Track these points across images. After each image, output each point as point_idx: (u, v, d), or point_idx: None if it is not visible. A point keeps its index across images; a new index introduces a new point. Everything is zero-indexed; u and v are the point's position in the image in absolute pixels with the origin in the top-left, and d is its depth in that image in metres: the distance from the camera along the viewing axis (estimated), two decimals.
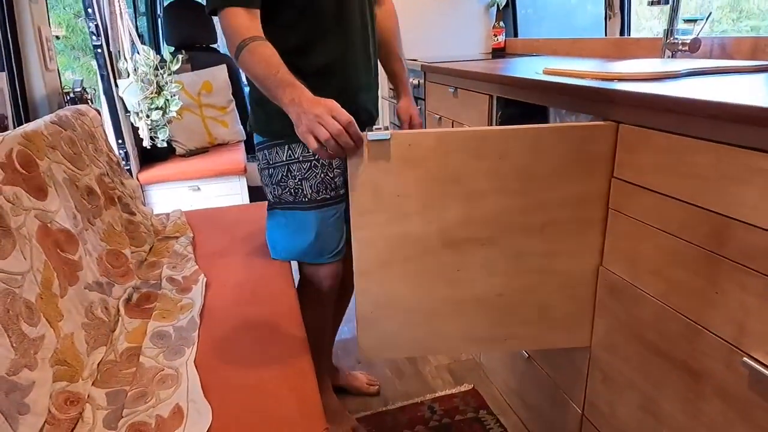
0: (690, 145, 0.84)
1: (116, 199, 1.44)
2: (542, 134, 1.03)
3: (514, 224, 1.08)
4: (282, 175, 1.27)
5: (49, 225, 1.04)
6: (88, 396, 0.89)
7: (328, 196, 1.29)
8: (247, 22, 1.05)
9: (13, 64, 1.44)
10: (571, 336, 1.19)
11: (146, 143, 2.45)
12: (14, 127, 1.43)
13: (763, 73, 1.13)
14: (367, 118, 1.33)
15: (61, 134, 1.28)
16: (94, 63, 2.36)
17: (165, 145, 2.53)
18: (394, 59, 1.40)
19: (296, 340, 1.06)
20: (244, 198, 2.73)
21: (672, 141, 0.88)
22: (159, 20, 3.61)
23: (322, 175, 1.28)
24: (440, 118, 1.89)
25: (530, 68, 1.55)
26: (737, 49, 1.40)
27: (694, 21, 1.46)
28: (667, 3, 1.38)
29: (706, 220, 0.83)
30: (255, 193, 3.14)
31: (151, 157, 2.69)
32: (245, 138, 3.19)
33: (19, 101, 1.46)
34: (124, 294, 1.19)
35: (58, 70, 1.60)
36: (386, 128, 1.05)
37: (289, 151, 1.26)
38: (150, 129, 2.44)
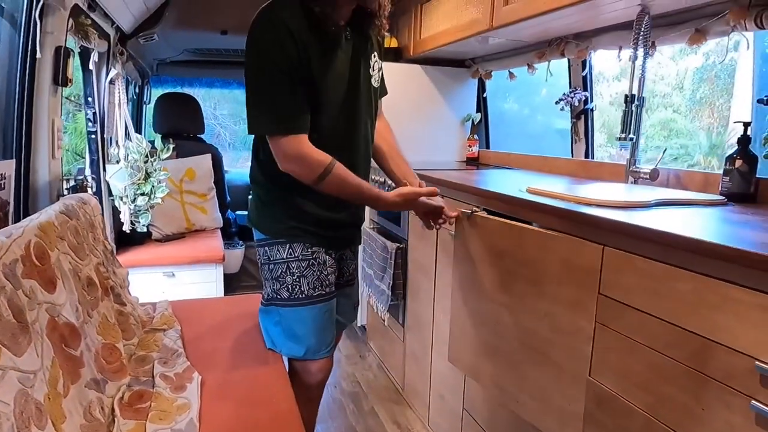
0: (671, 273, 0.96)
1: (109, 290, 1.43)
2: (545, 237, 1.23)
3: (527, 300, 1.33)
4: (281, 271, 1.33)
5: (56, 319, 1.03)
6: None
7: (324, 293, 1.37)
8: (314, 149, 1.21)
9: (23, 153, 1.47)
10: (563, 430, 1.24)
11: (126, 227, 2.44)
12: (15, 214, 1.44)
13: (718, 207, 1.31)
14: (358, 221, 1.49)
15: (68, 224, 1.30)
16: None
17: (145, 229, 2.53)
18: (402, 161, 1.53)
19: None
20: (219, 286, 2.71)
21: (654, 267, 1.00)
22: (144, 108, 3.73)
23: (318, 273, 1.35)
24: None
25: (511, 183, 1.71)
26: (690, 181, 1.61)
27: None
28: (632, 140, 1.59)
29: (689, 340, 0.93)
30: (229, 281, 3.11)
31: (127, 240, 2.66)
32: (222, 225, 3.21)
33: (21, 188, 1.47)
34: (117, 392, 1.15)
35: (61, 158, 1.63)
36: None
37: (290, 250, 1.34)
38: (132, 213, 2.45)
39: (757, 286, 0.82)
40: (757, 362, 0.81)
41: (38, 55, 1.40)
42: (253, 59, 1.19)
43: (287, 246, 1.34)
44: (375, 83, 1.37)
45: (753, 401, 0.82)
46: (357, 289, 1.65)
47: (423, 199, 1.39)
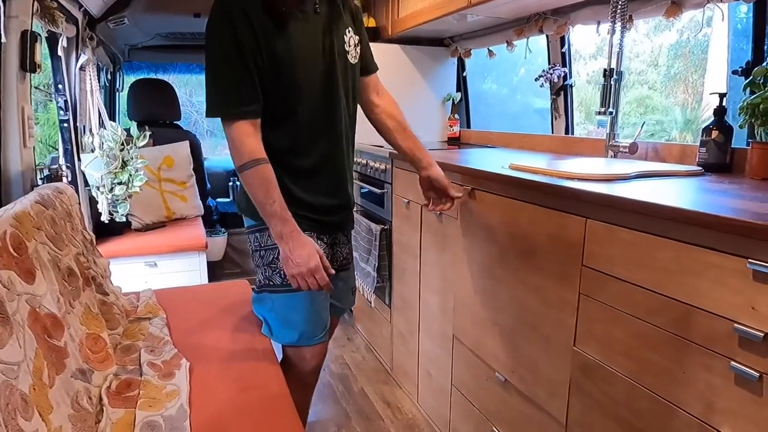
0: (652, 242, 0.98)
1: (91, 279, 1.41)
2: (534, 212, 1.28)
3: (520, 273, 1.35)
4: (273, 257, 1.31)
5: (37, 310, 1.01)
6: None
7: None
8: (253, 139, 1.17)
9: None
10: (550, 402, 1.28)
11: (104, 217, 2.39)
12: None
13: (696, 177, 1.33)
14: (350, 204, 1.45)
15: (44, 214, 1.26)
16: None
17: (124, 219, 2.48)
18: (408, 136, 1.52)
19: (295, 427, 1.05)
20: (202, 274, 2.68)
21: (636, 237, 1.02)
22: (117, 95, 3.63)
23: None
24: (408, 202, 2.01)
25: (493, 161, 1.72)
26: (668, 153, 1.64)
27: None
28: (612, 114, 1.61)
29: (670, 307, 0.95)
30: (212, 269, 3.08)
31: (106, 231, 2.61)
32: (203, 213, 3.17)
33: None
34: (105, 381, 1.14)
35: (33, 147, 1.58)
36: None
37: None
38: (110, 203, 2.40)
39: (735, 251, 0.84)
40: (735, 325, 0.84)
41: (3, 40, 1.34)
42: (207, 42, 1.17)
43: None
44: (352, 59, 1.33)
45: (732, 362, 0.85)
46: (353, 273, 1.62)
47: (431, 173, 1.41)
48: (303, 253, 1.19)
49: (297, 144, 1.28)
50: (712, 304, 0.88)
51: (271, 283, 1.32)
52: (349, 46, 1.31)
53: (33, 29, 1.51)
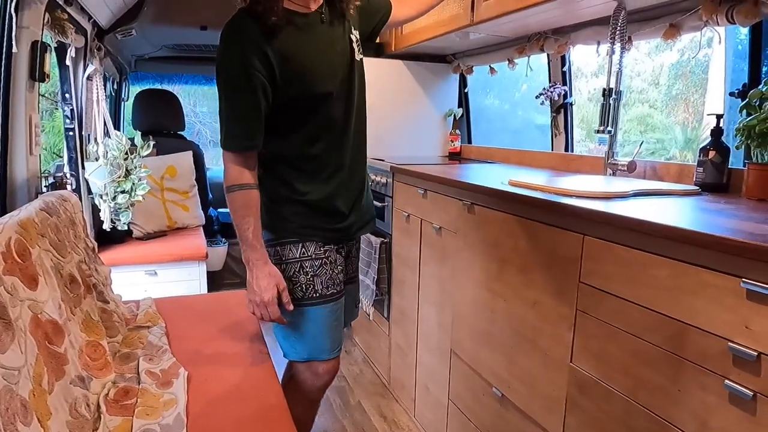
0: (649, 260, 0.99)
1: (92, 287, 1.42)
2: (532, 228, 1.29)
3: (518, 288, 1.37)
4: (294, 270, 1.32)
5: (39, 316, 1.02)
6: None
7: (335, 291, 1.37)
8: (241, 166, 1.24)
9: (0, 150, 1.44)
10: (547, 417, 1.29)
11: (107, 225, 2.41)
12: None
13: (693, 197, 1.35)
14: (369, 216, 1.49)
15: (48, 221, 1.28)
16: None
17: (125, 228, 2.50)
18: None
19: None
20: (202, 284, 2.69)
21: (632, 254, 1.03)
22: (123, 104, 3.67)
23: (331, 272, 1.36)
24: (408, 215, 2.03)
25: (493, 176, 1.74)
26: (666, 172, 1.66)
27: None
28: (610, 133, 1.63)
29: (666, 324, 0.96)
30: (212, 279, 3.09)
31: (107, 239, 2.62)
32: (204, 223, 3.19)
33: None
34: (103, 389, 1.14)
35: (39, 155, 1.60)
36: None
37: (303, 249, 1.33)
38: (112, 211, 2.42)
39: (729, 270, 0.85)
40: (729, 343, 0.85)
41: (14, 50, 1.37)
42: (216, 73, 1.21)
43: (300, 245, 1.33)
44: (358, 57, 1.34)
45: (726, 381, 0.85)
46: (358, 286, 1.64)
47: None
48: (262, 283, 1.24)
49: (309, 154, 1.29)
50: (706, 323, 0.89)
51: (292, 297, 1.31)
52: (355, 44, 1.33)
53: (43, 40, 1.54)
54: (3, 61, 1.39)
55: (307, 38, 1.22)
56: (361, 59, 1.36)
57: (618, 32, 1.58)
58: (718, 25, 1.42)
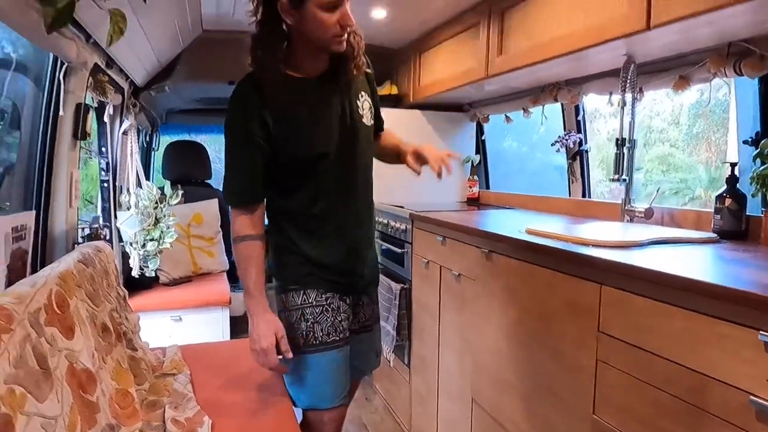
0: (665, 310, 1.00)
1: (122, 335, 1.47)
2: (551, 276, 1.31)
3: (538, 336, 1.38)
4: (296, 317, 1.36)
5: (75, 365, 1.06)
6: None
7: (337, 338, 1.38)
8: (245, 219, 1.33)
9: (42, 204, 1.54)
10: None
11: (135, 272, 2.49)
12: (32, 262, 1.49)
13: (711, 245, 1.36)
14: (370, 266, 1.49)
15: (85, 272, 1.35)
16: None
17: (153, 274, 2.58)
18: (390, 138, 1.58)
19: None
20: (225, 329, 2.73)
21: (650, 305, 1.04)
22: (153, 154, 3.85)
23: (332, 319, 1.38)
24: (428, 262, 2.06)
25: (511, 223, 1.77)
26: (684, 219, 1.67)
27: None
28: (625, 181, 1.66)
29: (687, 376, 0.96)
30: (234, 324, 3.13)
31: (135, 285, 2.70)
32: (228, 268, 3.26)
33: (40, 237, 1.53)
34: None
35: (77, 207, 1.70)
36: None
37: (304, 296, 1.37)
38: (141, 259, 2.50)
39: (747, 322, 0.86)
40: (751, 397, 0.84)
41: (61, 113, 1.49)
42: (224, 132, 1.33)
43: (301, 292, 1.37)
44: (367, 122, 1.39)
45: None
46: (378, 335, 1.62)
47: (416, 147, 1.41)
48: (260, 331, 1.29)
49: (312, 211, 1.35)
50: (726, 375, 0.89)
51: (294, 343, 1.35)
52: (363, 109, 1.38)
53: (86, 102, 1.66)
54: (50, 123, 1.50)
55: (304, 103, 1.29)
56: (371, 125, 1.42)
57: (629, 84, 1.64)
58: (726, 76, 1.46)
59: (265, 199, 1.36)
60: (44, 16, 1.02)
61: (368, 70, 1.40)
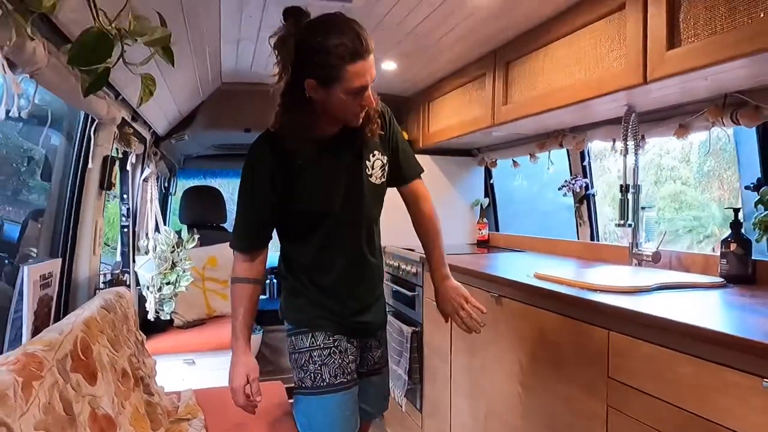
0: (672, 357, 1.02)
1: (140, 380, 1.50)
2: (559, 322, 1.32)
3: (549, 382, 1.37)
4: (305, 360, 1.39)
5: (96, 411, 1.10)
6: None
7: (345, 380, 1.40)
8: (244, 263, 1.40)
9: (68, 251, 1.61)
10: None
11: (151, 315, 2.53)
12: (57, 308, 1.55)
13: (718, 290, 1.37)
14: (374, 311, 1.52)
15: (107, 318, 1.40)
16: None
17: (168, 317, 2.62)
18: (432, 249, 1.58)
19: None
20: None
21: (656, 351, 1.06)
22: (170, 198, 3.96)
23: (340, 361, 1.41)
24: None
25: (519, 267, 1.80)
26: (692, 263, 1.69)
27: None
28: (631, 226, 1.69)
29: (696, 423, 0.97)
30: None
31: (149, 327, 2.73)
32: None
33: (64, 284, 1.59)
34: None
35: (100, 254, 1.77)
36: None
37: (312, 339, 1.41)
38: (157, 302, 2.55)
39: (753, 369, 0.88)
40: None
41: (90, 166, 1.58)
42: (239, 182, 1.42)
43: (309, 335, 1.41)
44: (376, 180, 1.44)
45: None
46: (386, 378, 1.64)
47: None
48: (235, 370, 1.37)
49: (316, 260, 1.42)
50: (736, 423, 0.90)
51: (303, 385, 1.39)
52: (372, 168, 1.43)
53: (112, 154, 1.75)
54: (79, 175, 1.59)
55: (316, 162, 1.36)
56: (382, 183, 1.46)
57: (630, 131, 1.70)
58: (724, 125, 1.52)
59: (267, 247, 1.44)
60: (82, 82, 1.11)
61: (381, 132, 1.44)
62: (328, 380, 1.38)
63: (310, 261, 1.42)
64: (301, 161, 1.35)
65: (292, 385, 1.46)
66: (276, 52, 1.25)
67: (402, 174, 1.54)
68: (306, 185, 1.36)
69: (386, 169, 1.48)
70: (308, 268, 1.42)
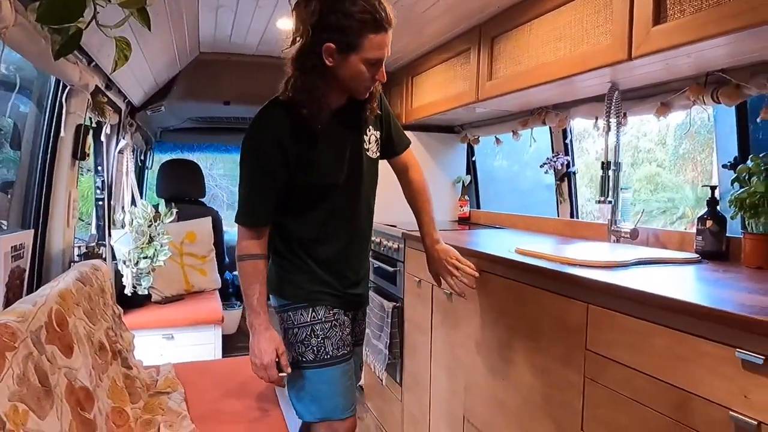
0: (649, 328, 1.05)
1: (117, 353, 1.48)
2: (539, 295, 1.34)
3: (528, 354, 1.39)
4: (306, 334, 1.40)
5: (73, 383, 1.08)
6: None
7: (346, 352, 1.44)
8: (251, 239, 1.38)
9: (40, 223, 1.56)
10: None
11: (128, 290, 2.49)
12: (29, 281, 1.50)
13: (693, 265, 1.41)
14: (366, 294, 1.57)
15: (82, 290, 1.37)
16: None
17: (146, 292, 2.58)
18: (428, 221, 1.68)
19: None
20: (217, 347, 2.73)
21: (633, 323, 1.08)
22: (147, 173, 3.87)
23: (340, 334, 1.43)
24: (420, 281, 2.09)
25: (500, 243, 1.81)
26: (668, 240, 1.72)
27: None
28: (611, 203, 1.71)
29: (670, 392, 1.00)
30: (226, 342, 3.12)
31: (127, 303, 2.70)
32: (220, 286, 3.26)
33: (37, 256, 1.55)
34: None
35: (74, 226, 1.72)
36: None
37: (313, 313, 1.42)
38: (134, 276, 2.51)
39: (725, 340, 0.90)
40: (731, 412, 0.88)
41: (62, 134, 1.52)
42: (240, 157, 1.37)
43: (310, 309, 1.42)
44: (372, 155, 1.48)
45: None
46: (362, 349, 1.71)
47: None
48: (261, 347, 1.34)
49: (319, 234, 1.41)
50: (707, 391, 0.93)
51: (303, 359, 1.39)
52: (369, 143, 1.46)
53: (85, 123, 1.69)
54: (50, 144, 1.53)
55: (324, 136, 1.36)
56: (377, 156, 1.49)
57: (613, 109, 1.70)
58: (705, 104, 1.53)
59: (271, 222, 1.41)
60: (52, 44, 1.06)
61: (379, 112, 1.46)
62: (331, 353, 1.41)
63: (313, 234, 1.42)
64: (311, 134, 1.33)
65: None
66: (296, 12, 1.24)
67: (394, 147, 1.58)
68: (316, 157, 1.35)
69: (380, 143, 1.51)
70: (309, 242, 1.42)
